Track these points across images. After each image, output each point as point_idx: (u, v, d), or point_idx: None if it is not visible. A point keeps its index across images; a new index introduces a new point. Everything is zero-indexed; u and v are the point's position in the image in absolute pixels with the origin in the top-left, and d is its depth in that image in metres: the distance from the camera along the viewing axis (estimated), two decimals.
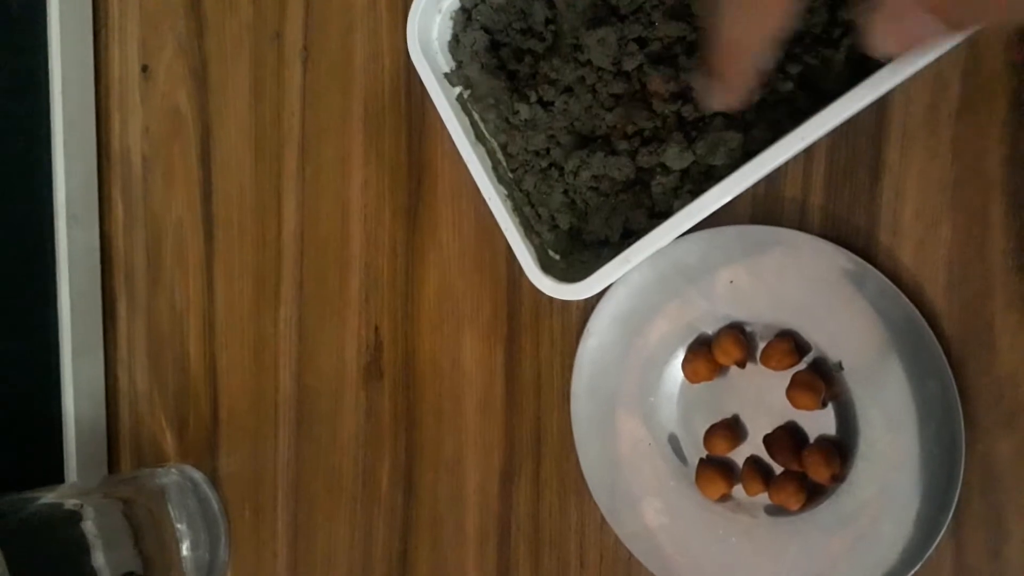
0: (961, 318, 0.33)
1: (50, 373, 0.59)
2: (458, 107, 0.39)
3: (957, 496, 0.32)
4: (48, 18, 0.58)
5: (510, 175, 0.39)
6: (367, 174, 0.48)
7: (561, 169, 0.37)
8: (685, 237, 0.38)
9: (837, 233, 0.36)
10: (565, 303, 0.42)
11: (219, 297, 0.55)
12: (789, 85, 0.32)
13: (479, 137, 0.39)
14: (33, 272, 0.59)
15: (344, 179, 0.49)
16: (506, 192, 0.38)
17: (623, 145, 0.35)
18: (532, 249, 0.37)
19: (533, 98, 0.37)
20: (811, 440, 0.36)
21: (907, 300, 0.33)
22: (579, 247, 0.38)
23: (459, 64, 0.39)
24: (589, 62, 0.36)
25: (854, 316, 0.35)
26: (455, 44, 0.39)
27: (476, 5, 0.38)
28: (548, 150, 0.38)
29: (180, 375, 0.57)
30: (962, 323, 0.33)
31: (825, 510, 0.35)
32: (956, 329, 0.33)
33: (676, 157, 0.33)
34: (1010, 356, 0.33)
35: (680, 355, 0.39)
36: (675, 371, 0.39)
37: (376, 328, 0.48)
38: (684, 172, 0.34)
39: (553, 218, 0.38)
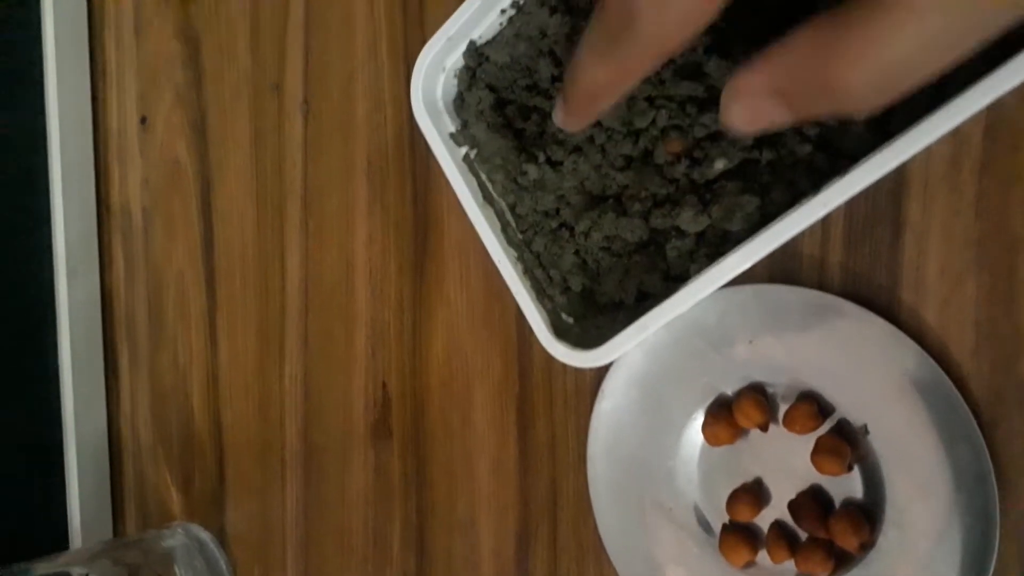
0: (990, 380, 0.32)
1: (52, 430, 0.58)
2: (465, 168, 0.38)
3: (993, 566, 0.31)
4: (45, 69, 0.58)
5: (519, 236, 0.38)
6: (372, 227, 0.47)
7: (572, 230, 0.36)
8: None
9: (858, 291, 0.35)
10: None
11: (223, 351, 0.54)
12: (807, 148, 0.31)
13: (487, 198, 0.38)
14: (33, 326, 0.58)
15: (348, 232, 0.48)
16: (516, 255, 0.37)
17: (635, 206, 0.34)
18: (544, 314, 0.36)
19: (541, 158, 0.36)
20: (837, 505, 0.35)
21: (934, 362, 0.32)
22: (593, 310, 0.37)
23: (464, 123, 0.38)
24: (599, 121, 0.35)
25: (878, 378, 0.34)
26: (460, 103, 0.38)
27: (480, 64, 0.38)
28: (558, 211, 0.37)
29: (184, 430, 0.56)
30: (991, 385, 0.32)
31: None
32: (986, 392, 0.32)
33: (691, 220, 0.32)
34: None
35: (699, 417, 0.38)
36: (694, 434, 0.38)
37: (384, 384, 0.47)
38: (700, 235, 0.33)
39: (565, 280, 0.37)
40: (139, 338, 0.58)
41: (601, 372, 0.40)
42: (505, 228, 0.38)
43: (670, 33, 0.18)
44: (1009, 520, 0.32)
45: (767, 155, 0.32)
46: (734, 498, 0.37)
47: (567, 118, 0.25)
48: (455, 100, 0.39)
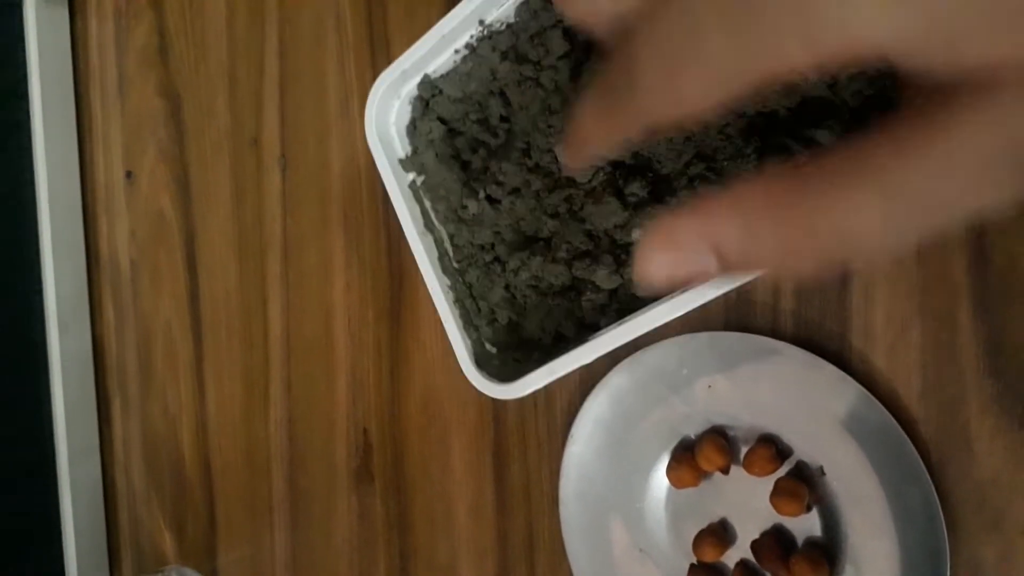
0: (938, 423, 0.34)
1: (48, 478, 0.59)
2: (410, 194, 0.39)
3: None
4: (32, 126, 0.60)
5: (455, 266, 0.39)
6: (349, 277, 0.49)
7: (504, 265, 0.38)
8: (661, 343, 0.38)
9: (810, 337, 0.36)
10: (548, 405, 0.42)
11: (210, 399, 0.55)
12: None
13: (428, 225, 0.39)
14: (27, 378, 0.59)
15: (327, 283, 0.50)
16: (449, 283, 0.39)
17: (562, 253, 0.36)
18: (469, 343, 0.38)
19: (482, 194, 0.38)
20: (799, 543, 0.36)
21: (882, 407, 0.34)
22: (515, 343, 0.38)
23: (415, 150, 0.40)
24: (537, 167, 0.36)
25: (831, 423, 0.35)
26: (412, 129, 0.40)
27: (434, 95, 0.39)
28: (493, 245, 0.38)
29: (176, 477, 0.57)
30: (939, 428, 0.33)
31: None
32: (933, 434, 0.34)
33: (605, 278, 0.34)
34: (989, 460, 0.33)
35: (665, 460, 0.39)
36: (661, 477, 0.39)
37: (365, 430, 0.48)
38: (613, 292, 0.35)
39: (493, 312, 0.39)
40: (130, 387, 0.60)
41: (570, 416, 0.41)
42: (442, 256, 0.39)
43: (662, 109, 0.16)
44: (960, 559, 0.33)
45: None
46: (700, 539, 0.38)
47: (564, 150, 0.25)
48: (408, 126, 0.40)
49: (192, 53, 0.55)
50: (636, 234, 0.33)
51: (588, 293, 0.35)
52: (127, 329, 0.60)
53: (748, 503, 0.37)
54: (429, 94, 0.39)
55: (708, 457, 0.37)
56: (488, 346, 0.38)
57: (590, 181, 0.35)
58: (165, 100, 0.57)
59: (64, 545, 0.59)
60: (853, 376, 0.34)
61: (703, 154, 0.33)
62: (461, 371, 0.45)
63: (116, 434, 0.60)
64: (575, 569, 0.41)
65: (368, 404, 0.48)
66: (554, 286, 0.36)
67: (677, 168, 0.34)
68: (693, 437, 0.38)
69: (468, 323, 0.38)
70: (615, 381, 0.39)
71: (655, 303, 0.32)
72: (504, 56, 0.37)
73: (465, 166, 0.38)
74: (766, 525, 0.37)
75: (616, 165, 0.35)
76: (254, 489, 0.53)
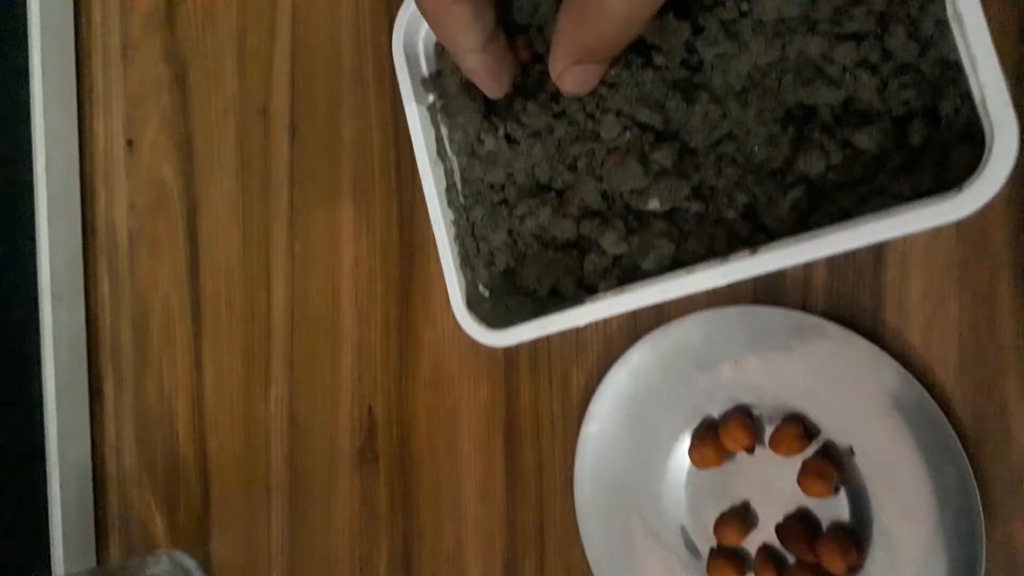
0: (974, 401, 0.32)
1: (36, 455, 0.57)
2: (427, 117, 0.38)
3: None
4: (32, 93, 0.58)
5: (462, 200, 0.38)
6: (358, 250, 0.47)
7: (511, 209, 0.37)
8: (686, 317, 0.37)
9: (842, 313, 0.35)
10: (564, 384, 0.41)
11: (208, 376, 0.54)
12: (732, 213, 0.31)
13: (440, 154, 0.38)
14: (17, 351, 0.57)
15: (334, 255, 0.48)
16: (453, 218, 0.37)
17: (572, 208, 0.35)
18: (464, 283, 0.37)
19: (501, 131, 0.36)
20: (824, 527, 0.35)
21: (917, 383, 0.32)
22: (509, 290, 0.37)
23: (439, 72, 0.38)
24: (563, 113, 0.35)
25: (863, 400, 0.34)
26: (441, 49, 0.38)
27: None
28: (503, 187, 0.37)
29: (169, 457, 0.55)
30: (975, 406, 0.32)
31: None
32: (969, 412, 0.32)
33: (613, 242, 0.33)
34: None
35: (686, 439, 0.38)
36: (681, 456, 0.38)
37: (370, 408, 0.47)
38: (617, 258, 0.34)
39: (492, 255, 0.37)
40: (124, 363, 0.58)
41: (587, 395, 0.40)
42: (450, 188, 0.38)
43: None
44: (994, 541, 0.32)
45: (696, 207, 0.32)
46: (722, 521, 0.36)
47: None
48: (437, 45, 0.38)
49: (200, 18, 0.54)
50: (653, 203, 0.32)
51: (592, 254, 0.34)
52: (123, 303, 0.58)
53: (772, 484, 0.36)
54: None
55: (732, 436, 0.36)
56: (482, 288, 0.37)
57: (615, 139, 0.34)
58: (170, 66, 0.55)
59: (50, 527, 0.57)
60: (886, 352, 0.33)
61: (736, 135, 0.32)
62: (473, 349, 0.44)
63: (108, 412, 0.58)
64: (589, 553, 0.39)
65: (374, 382, 0.47)
66: (558, 240, 0.35)
67: (707, 143, 0.33)
68: (716, 416, 0.37)
69: (465, 262, 0.37)
70: (637, 357, 0.38)
71: (659, 276, 0.31)
72: None
73: (488, 99, 0.37)
74: (791, 508, 0.36)
75: (645, 128, 0.34)
76: (251, 469, 0.51)
